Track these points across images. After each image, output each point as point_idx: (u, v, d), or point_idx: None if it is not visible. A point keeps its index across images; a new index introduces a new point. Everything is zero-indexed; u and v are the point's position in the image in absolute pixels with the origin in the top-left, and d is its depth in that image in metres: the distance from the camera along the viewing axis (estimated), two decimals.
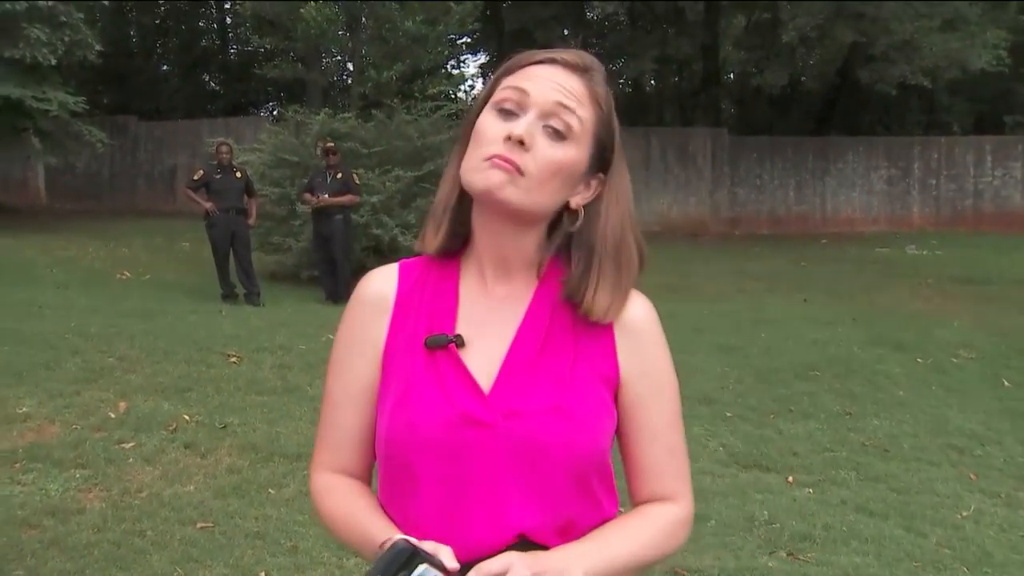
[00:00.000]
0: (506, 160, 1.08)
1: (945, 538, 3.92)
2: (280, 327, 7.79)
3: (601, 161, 1.16)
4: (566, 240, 1.17)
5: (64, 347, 6.50)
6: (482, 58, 28.27)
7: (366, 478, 1.21)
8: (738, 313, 8.72)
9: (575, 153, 1.11)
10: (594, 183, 1.16)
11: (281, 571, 3.40)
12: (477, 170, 1.09)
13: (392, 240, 10.66)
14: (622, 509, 1.21)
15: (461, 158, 1.15)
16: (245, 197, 9.75)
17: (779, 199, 19.18)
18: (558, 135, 1.10)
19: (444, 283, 1.17)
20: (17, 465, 4.31)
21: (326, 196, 9.62)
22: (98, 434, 4.82)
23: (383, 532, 1.07)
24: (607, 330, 1.15)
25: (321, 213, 9.68)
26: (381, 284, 1.20)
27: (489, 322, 1.14)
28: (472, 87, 28.22)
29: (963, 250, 15.38)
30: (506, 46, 23.92)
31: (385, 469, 1.14)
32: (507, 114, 1.10)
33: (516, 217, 1.12)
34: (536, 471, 1.08)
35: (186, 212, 13.83)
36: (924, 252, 15.39)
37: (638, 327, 1.17)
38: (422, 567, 0.96)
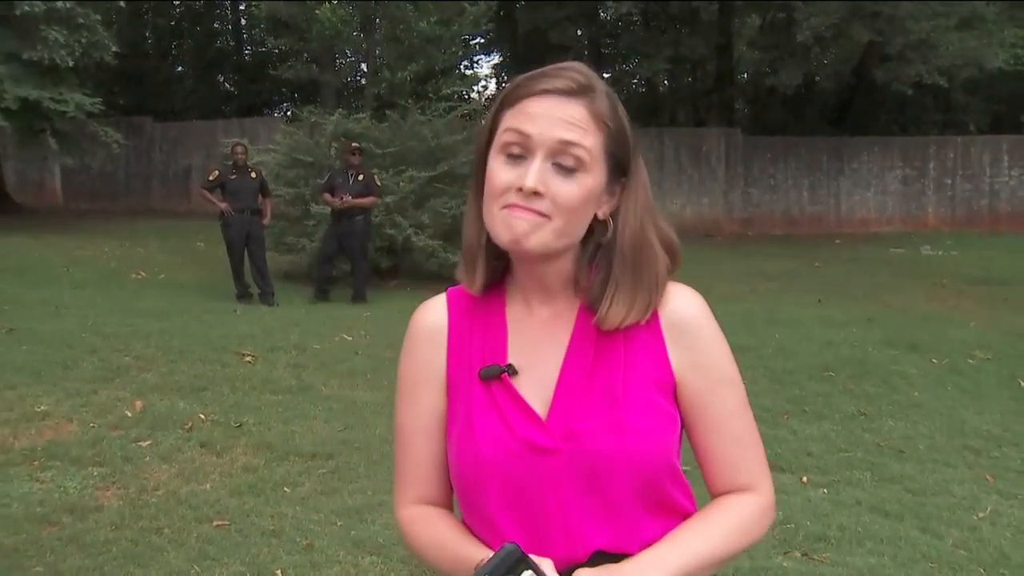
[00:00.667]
0: (523, 212, 1.08)
1: (961, 540, 3.89)
2: (294, 327, 7.83)
3: (619, 171, 1.15)
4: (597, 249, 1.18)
5: (81, 346, 6.56)
6: (496, 58, 28.37)
7: (449, 505, 1.25)
8: (752, 313, 8.69)
9: (591, 181, 1.11)
10: (617, 189, 1.16)
11: (297, 569, 3.41)
12: (499, 221, 1.09)
13: (406, 240, 10.68)
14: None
15: (479, 196, 1.15)
16: (260, 197, 9.79)
17: (793, 199, 19.11)
18: (569, 171, 1.09)
19: (492, 312, 1.19)
20: (36, 463, 4.36)
21: (349, 197, 9.63)
22: (115, 432, 4.87)
23: (476, 552, 1.11)
24: (656, 331, 1.15)
25: (342, 214, 9.70)
26: (434, 315, 1.23)
27: (539, 347, 1.16)
28: (486, 87, 28.27)
29: (979, 250, 15.28)
30: (520, 46, 23.96)
31: (461, 497, 1.18)
32: (514, 159, 1.10)
33: (546, 257, 1.13)
34: (602, 488, 1.10)
35: (200, 212, 13.93)
36: (939, 252, 15.29)
37: (686, 322, 1.16)
38: (527, 574, 1.01)
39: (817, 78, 21.58)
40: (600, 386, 1.12)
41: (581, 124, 1.09)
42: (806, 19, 16.22)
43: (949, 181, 19.02)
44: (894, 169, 19.03)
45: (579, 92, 1.11)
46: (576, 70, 1.12)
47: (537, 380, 1.14)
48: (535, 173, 1.08)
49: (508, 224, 1.09)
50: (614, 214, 1.15)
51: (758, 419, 4.31)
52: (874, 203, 19.04)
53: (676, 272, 1.20)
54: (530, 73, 1.13)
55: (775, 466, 4.80)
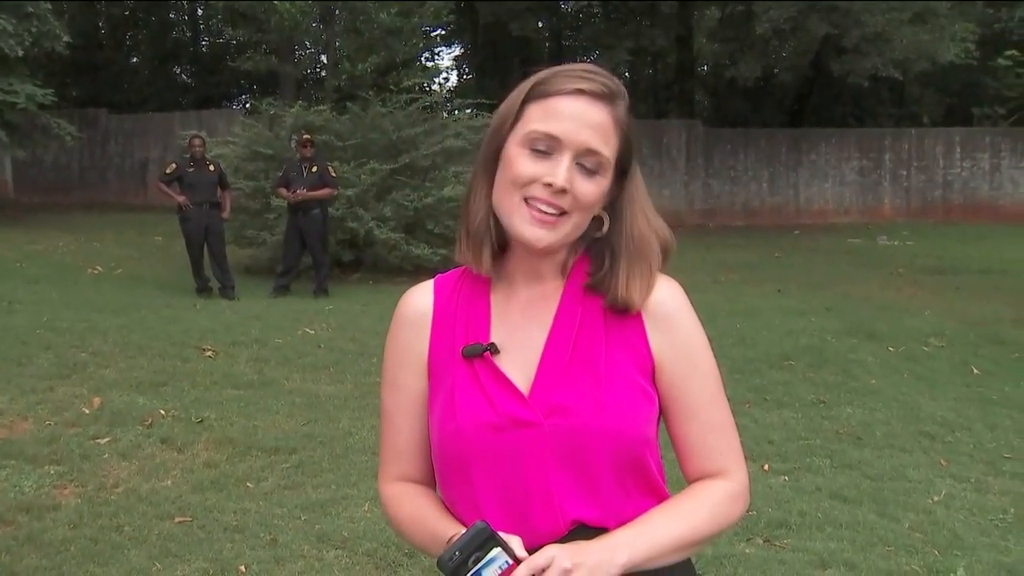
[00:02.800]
0: (550, 214, 1.13)
1: (917, 523, 3.98)
2: (255, 321, 7.74)
3: (622, 171, 1.21)
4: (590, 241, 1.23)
5: (36, 343, 6.42)
6: (457, 50, 28.24)
7: (431, 483, 1.28)
8: (713, 304, 8.78)
9: (604, 183, 1.17)
10: (615, 187, 1.21)
11: (260, 564, 3.39)
12: (519, 217, 1.14)
13: (368, 233, 10.61)
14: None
15: (488, 181, 1.20)
16: (218, 190, 9.66)
17: (753, 191, 19.32)
18: (591, 172, 1.15)
19: (477, 294, 1.23)
20: None
21: (303, 190, 9.54)
22: (72, 430, 4.78)
23: (451, 528, 1.14)
24: (636, 317, 1.19)
25: (298, 207, 9.61)
26: (419, 300, 1.26)
27: (522, 326, 1.20)
28: (447, 79, 28.13)
29: (933, 240, 15.59)
30: (481, 38, 23.90)
31: (442, 474, 1.21)
32: (540, 154, 1.14)
33: (554, 250, 1.20)
34: (582, 462, 1.12)
35: (158, 206, 13.73)
36: (895, 242, 15.58)
37: (666, 310, 1.20)
38: (496, 551, 1.03)
39: (776, 71, 21.81)
40: (582, 364, 1.16)
41: (605, 131, 1.15)
42: (765, 12, 16.39)
43: (904, 172, 19.36)
44: (851, 160, 19.32)
45: (607, 97, 1.16)
46: (604, 75, 1.18)
47: (520, 358, 1.17)
48: (566, 171, 1.13)
49: (530, 227, 1.14)
50: (610, 209, 1.21)
51: None
52: (832, 194, 19.32)
53: (667, 265, 1.24)
54: (559, 69, 1.18)
55: None
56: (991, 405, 5.91)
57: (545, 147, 1.14)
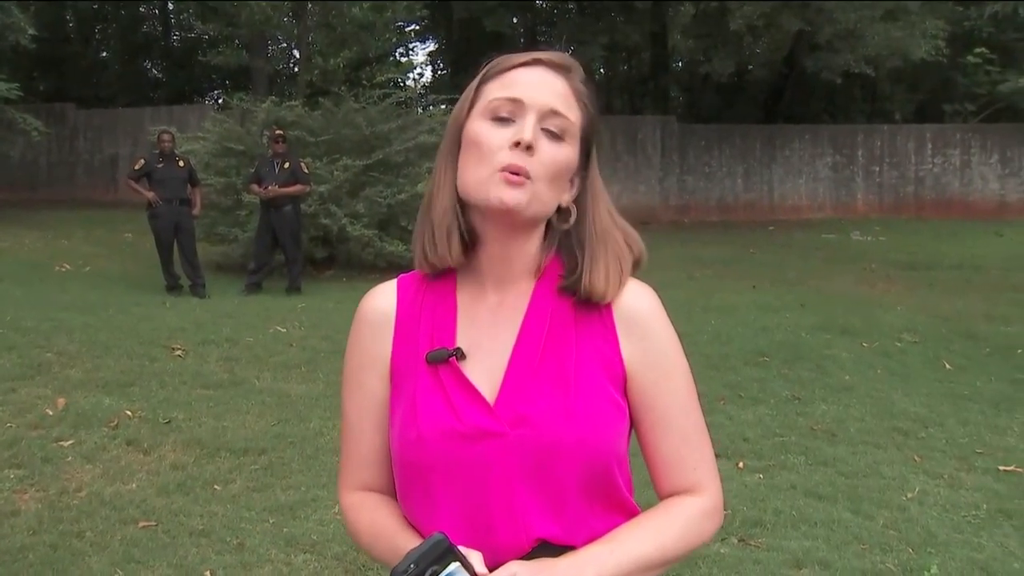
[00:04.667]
0: (517, 171, 1.08)
1: (891, 520, 3.98)
2: (226, 319, 7.64)
3: (586, 159, 1.17)
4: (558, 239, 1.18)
5: None
6: (431, 45, 28.09)
7: (392, 492, 1.22)
8: (688, 300, 8.77)
9: (570, 152, 1.13)
10: (577, 180, 1.17)
11: (227, 570, 3.31)
12: (492, 184, 1.08)
13: (341, 230, 10.50)
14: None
15: (452, 168, 1.15)
16: (189, 187, 9.51)
17: (728, 186, 19.37)
18: (556, 136, 1.11)
19: (442, 295, 1.17)
20: None
21: (275, 186, 9.42)
22: (35, 432, 4.67)
23: (410, 543, 1.08)
24: (608, 323, 1.14)
25: (270, 203, 9.48)
26: (381, 301, 1.20)
27: (490, 331, 1.14)
28: (421, 75, 27.99)
29: (905, 236, 15.71)
30: (455, 34, 23.77)
31: (401, 484, 1.15)
32: (503, 121, 1.11)
33: (525, 224, 1.13)
34: (549, 476, 1.07)
35: (128, 202, 13.50)
36: (868, 238, 15.68)
37: (639, 315, 1.15)
38: (454, 565, 0.98)
39: (750, 67, 21.89)
40: (551, 372, 1.10)
41: (566, 97, 1.13)
42: (738, 8, 16.42)
43: (877, 168, 19.50)
44: (824, 156, 19.43)
45: (564, 68, 1.15)
46: (558, 53, 1.17)
47: (486, 365, 1.12)
48: (531, 129, 1.09)
49: (501, 190, 1.08)
50: (577, 201, 1.17)
51: None
52: (806, 190, 19.42)
53: (639, 270, 1.20)
54: (513, 53, 1.17)
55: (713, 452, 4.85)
56: (963, 400, 5.93)
57: (508, 113, 1.11)
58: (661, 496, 1.18)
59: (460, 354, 1.12)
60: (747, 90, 23.81)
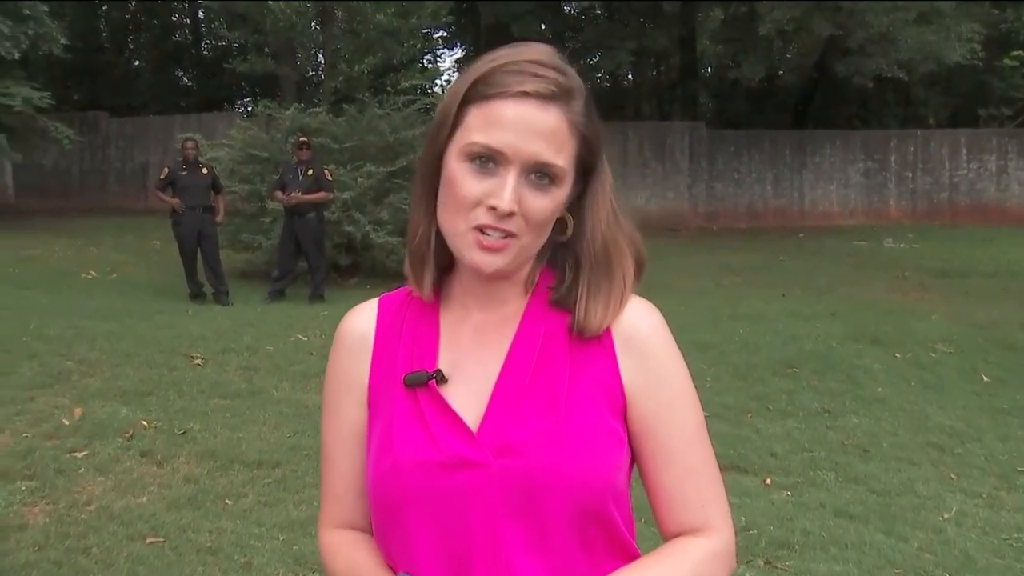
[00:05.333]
0: (496, 242, 0.99)
1: (927, 542, 3.81)
2: (248, 327, 7.59)
3: (585, 172, 1.06)
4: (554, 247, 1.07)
5: (20, 351, 6.27)
6: (459, 52, 28.10)
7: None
8: (716, 308, 8.61)
9: (562, 192, 1.02)
10: (579, 186, 1.06)
11: None
12: (465, 243, 0.99)
13: (364, 237, 10.46)
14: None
15: (429, 194, 1.05)
16: (212, 194, 9.51)
17: (757, 193, 19.14)
18: (543, 186, 0.99)
19: (424, 315, 1.08)
20: None
21: (298, 193, 9.39)
22: (50, 443, 4.62)
23: None
24: (607, 344, 1.04)
25: (293, 211, 9.45)
26: (360, 322, 1.12)
27: (475, 353, 1.05)
28: (448, 81, 27.98)
29: (939, 243, 15.38)
30: (483, 41, 23.74)
31: (376, 518, 1.05)
32: (483, 168, 0.98)
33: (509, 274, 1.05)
34: (536, 512, 0.97)
35: (158, 210, 13.53)
36: (901, 245, 15.37)
37: (642, 336, 1.05)
38: None
39: (780, 72, 21.64)
40: (541, 397, 1.00)
41: (558, 138, 0.99)
42: (768, 12, 16.22)
43: (910, 174, 19.17)
44: (856, 163, 19.13)
45: (559, 97, 0.99)
46: (555, 67, 1.00)
47: (471, 389, 1.02)
48: (511, 192, 0.97)
49: (474, 254, 0.99)
50: (575, 210, 1.06)
51: (721, 417, 4.16)
52: (837, 196, 19.13)
53: (640, 281, 1.09)
54: (498, 60, 1.00)
55: (739, 467, 4.70)
56: (1002, 415, 5.72)
57: (489, 161, 0.98)
58: (666, 537, 1.06)
59: (440, 377, 1.02)
60: (777, 95, 23.55)
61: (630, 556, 1.02)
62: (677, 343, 1.08)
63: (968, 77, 20.78)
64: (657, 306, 1.09)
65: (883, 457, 4.92)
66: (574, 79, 1.02)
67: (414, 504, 0.98)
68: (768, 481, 4.53)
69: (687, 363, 1.08)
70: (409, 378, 1.03)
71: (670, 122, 21.04)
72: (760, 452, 4.91)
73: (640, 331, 1.04)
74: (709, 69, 25.87)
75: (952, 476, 4.66)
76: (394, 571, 1.02)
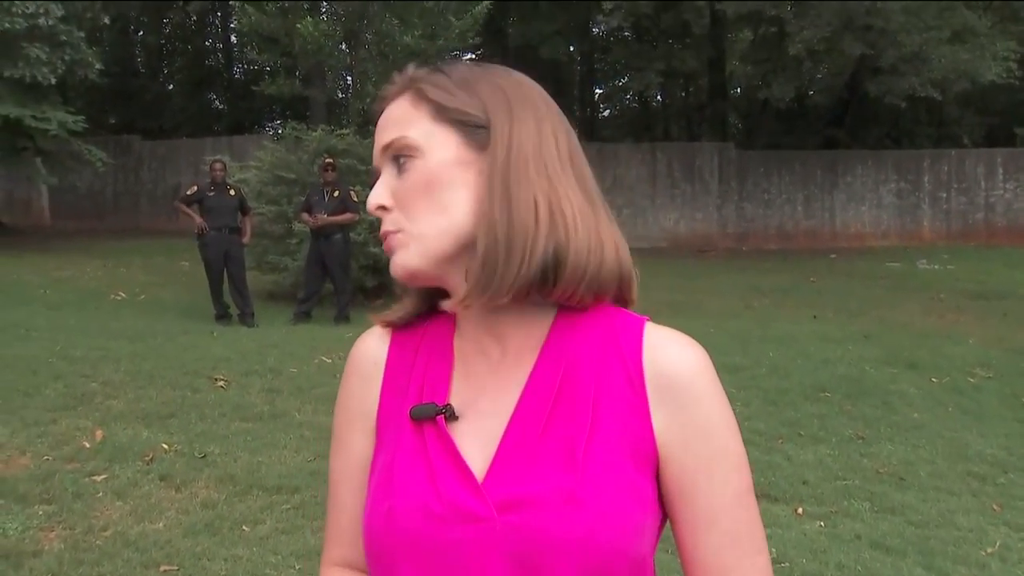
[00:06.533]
0: (388, 242, 0.94)
1: None
2: (272, 349, 7.56)
3: (479, 137, 0.92)
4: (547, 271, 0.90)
5: (46, 372, 6.28)
6: None
7: None
8: (745, 331, 8.45)
9: (427, 161, 0.91)
10: (486, 166, 0.91)
11: None
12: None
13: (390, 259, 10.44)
14: None
15: None
16: (239, 215, 9.56)
17: (787, 214, 18.94)
18: (403, 165, 0.92)
19: (439, 342, 0.98)
20: None
21: (324, 215, 9.40)
22: (70, 466, 4.59)
23: None
24: (639, 387, 0.90)
25: (319, 232, 9.46)
26: (372, 346, 1.02)
27: (490, 388, 0.93)
28: None
29: (975, 264, 15.09)
30: (511, 62, 23.81)
31: (370, 565, 0.93)
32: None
33: (444, 268, 0.92)
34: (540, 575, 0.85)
35: (188, 231, 13.64)
36: (936, 267, 15.10)
37: (679, 379, 0.90)
38: None
39: (810, 92, 21.46)
40: (556, 446, 0.87)
41: (406, 114, 0.93)
42: (798, 32, 16.09)
43: (944, 195, 18.87)
44: (888, 183, 18.88)
45: (401, 89, 0.95)
46: (406, 71, 0.97)
47: (481, 429, 0.90)
48: (376, 189, 0.93)
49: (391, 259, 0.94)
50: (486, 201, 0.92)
51: (751, 443, 3.99)
52: (869, 217, 18.87)
53: (632, 296, 0.96)
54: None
55: (769, 495, 4.55)
56: None
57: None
58: None
59: (450, 413, 0.91)
60: (807, 115, 23.37)
61: None
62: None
63: (1004, 95, 20.50)
64: (684, 327, 0.94)
65: (920, 487, 4.74)
66: (417, 71, 0.96)
67: (408, 554, 0.88)
68: (800, 510, 4.38)
69: None
70: (416, 411, 0.92)
71: (699, 143, 20.93)
72: (791, 480, 4.76)
73: (679, 373, 0.90)
74: (739, 90, 25.75)
75: (995, 508, 4.48)
76: None
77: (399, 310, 1.01)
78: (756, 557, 0.90)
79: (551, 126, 0.93)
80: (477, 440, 0.90)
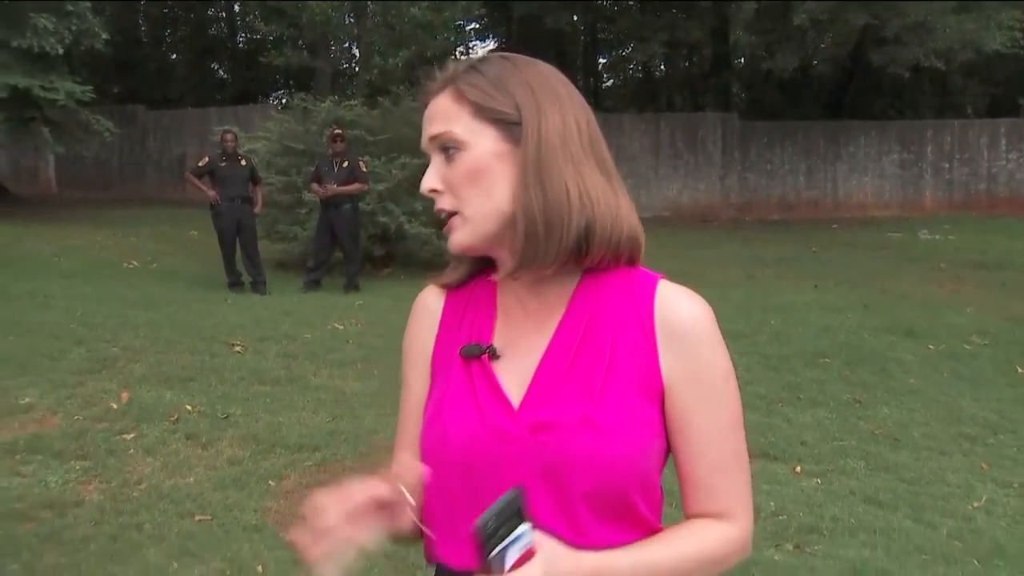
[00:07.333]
0: (447, 224, 1.11)
1: (956, 530, 3.84)
2: (285, 316, 7.76)
3: (514, 132, 1.08)
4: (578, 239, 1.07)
5: (69, 337, 6.49)
6: (491, 44, 28.14)
7: None
8: (747, 299, 8.63)
9: (471, 155, 1.08)
10: (521, 157, 1.08)
11: (279, 565, 3.35)
12: None
13: (399, 228, 10.59)
14: None
15: None
16: (250, 185, 9.69)
17: (790, 184, 19.03)
18: (451, 155, 1.09)
19: (485, 293, 1.18)
20: (18, 457, 4.29)
21: (334, 185, 9.54)
22: (100, 425, 4.80)
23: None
24: (650, 334, 1.08)
25: (329, 202, 9.61)
26: (430, 301, 1.23)
27: (525, 335, 1.13)
28: None
29: (976, 235, 15.21)
30: (515, 32, 23.79)
31: (426, 484, 1.13)
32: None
33: (490, 243, 1.11)
34: (562, 485, 1.04)
35: (195, 201, 13.80)
36: (937, 237, 15.23)
37: (685, 327, 1.08)
38: (525, 526, 0.94)
39: (814, 62, 21.44)
40: (579, 380, 1.07)
41: (447, 110, 1.10)
42: (802, 2, 16.09)
43: (947, 165, 18.94)
44: (891, 153, 18.94)
45: (443, 85, 1.12)
46: (445, 69, 1.13)
47: (517, 367, 1.11)
48: (427, 174, 1.12)
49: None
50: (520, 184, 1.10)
51: (752, 407, 4.21)
52: (871, 187, 18.96)
53: (640, 256, 1.13)
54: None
55: (769, 455, 4.76)
56: None
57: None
58: (688, 517, 1.12)
59: (493, 353, 1.12)
60: (810, 86, 23.35)
61: (650, 534, 1.08)
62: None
63: (1008, 65, 20.48)
64: None
65: (914, 447, 4.94)
66: (459, 65, 1.12)
67: (455, 468, 1.08)
68: (798, 468, 4.58)
69: None
70: (465, 350, 1.12)
71: (702, 113, 20.96)
72: (790, 440, 4.96)
73: (685, 323, 1.08)
74: (742, 59, 25.70)
75: (983, 466, 4.68)
76: (429, 517, 1.11)
77: (452, 274, 1.21)
78: (738, 478, 1.10)
79: (574, 116, 1.10)
80: (514, 375, 1.10)
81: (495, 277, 1.18)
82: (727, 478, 1.09)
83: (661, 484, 1.09)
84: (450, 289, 1.22)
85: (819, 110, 21.92)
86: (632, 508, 1.06)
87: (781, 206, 18.85)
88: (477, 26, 24.67)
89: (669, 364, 1.07)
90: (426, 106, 1.13)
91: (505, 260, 1.12)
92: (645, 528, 1.08)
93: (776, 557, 3.56)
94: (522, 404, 1.07)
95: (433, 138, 1.10)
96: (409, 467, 1.12)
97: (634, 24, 21.59)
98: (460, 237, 1.10)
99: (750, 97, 25.73)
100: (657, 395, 1.07)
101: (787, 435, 5.04)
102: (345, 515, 1.00)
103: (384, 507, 1.04)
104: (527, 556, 0.93)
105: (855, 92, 21.32)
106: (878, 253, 13.36)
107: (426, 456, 1.12)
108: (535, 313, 1.13)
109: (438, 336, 1.19)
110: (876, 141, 18.97)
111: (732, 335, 7.21)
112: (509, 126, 1.08)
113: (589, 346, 1.08)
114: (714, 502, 1.09)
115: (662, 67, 26.90)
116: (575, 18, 22.83)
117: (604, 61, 29.29)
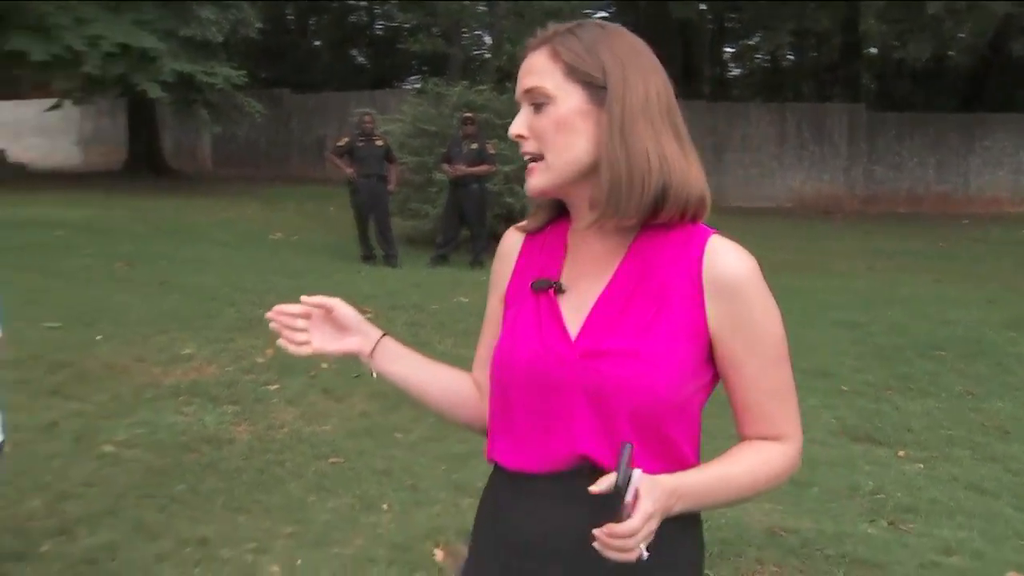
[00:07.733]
0: (529, 167, 1.24)
1: None
2: (414, 288, 8.23)
3: (599, 95, 1.20)
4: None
5: (222, 299, 7.17)
6: None
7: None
8: (867, 291, 8.54)
9: (558, 110, 1.20)
10: (603, 119, 1.20)
11: (402, 505, 3.73)
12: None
13: (523, 208, 10.92)
14: None
15: None
16: (386, 164, 10.22)
17: (919, 177, 18.33)
18: (540, 107, 1.21)
19: (557, 236, 1.32)
20: (181, 398, 4.89)
21: (463, 166, 9.97)
22: (248, 376, 5.35)
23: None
24: (697, 285, 1.19)
25: (457, 182, 10.05)
26: (511, 241, 1.38)
27: (587, 275, 1.26)
28: None
29: None
30: (643, 19, 23.70)
31: (492, 386, 1.30)
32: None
33: (566, 190, 1.24)
34: (605, 407, 1.18)
35: (333, 179, 14.60)
36: None
37: (729, 281, 1.18)
38: (637, 471, 1.07)
39: (949, 52, 20.42)
40: (630, 318, 1.20)
41: (542, 66, 1.21)
42: None
43: None
44: None
45: (541, 43, 1.23)
46: (547, 28, 1.25)
47: (578, 304, 1.24)
48: (516, 120, 1.24)
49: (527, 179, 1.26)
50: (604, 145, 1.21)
51: (860, 393, 4.34)
52: (1007, 183, 18.03)
53: (704, 215, 1.25)
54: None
55: (873, 439, 4.82)
56: None
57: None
58: (743, 439, 1.26)
59: (559, 288, 1.26)
60: (945, 76, 22.27)
61: (690, 461, 1.22)
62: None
63: None
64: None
65: None
66: (559, 27, 1.24)
67: (518, 383, 1.24)
68: (901, 453, 4.63)
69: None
70: (535, 284, 1.28)
71: (829, 104, 20.38)
72: (896, 427, 5.00)
73: (730, 275, 1.19)
74: (873, 49, 24.74)
75: None
76: (492, 426, 1.31)
77: (531, 221, 1.35)
78: (789, 406, 1.25)
79: (655, 86, 1.21)
80: (575, 309, 1.25)
81: (570, 225, 1.31)
82: (779, 406, 1.24)
83: (700, 419, 1.24)
84: (528, 234, 1.36)
85: (953, 102, 20.91)
86: (665, 436, 1.19)
87: (909, 199, 18.19)
88: (606, 15, 24.69)
89: (714, 313, 1.19)
90: (524, 59, 1.24)
91: (581, 210, 1.25)
92: (682, 460, 1.21)
93: (870, 531, 3.66)
94: (579, 334, 1.22)
95: (527, 91, 1.21)
96: (478, 381, 1.40)
97: (761, 13, 21.15)
98: (538, 181, 1.23)
99: (880, 88, 24.75)
100: (702, 340, 1.20)
101: (894, 421, 5.08)
102: (303, 312, 1.38)
103: (339, 326, 1.41)
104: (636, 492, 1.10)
105: (993, 84, 20.22)
106: (1010, 250, 12.78)
107: (495, 371, 1.28)
108: (599, 257, 1.26)
109: (514, 272, 1.34)
110: (1015, 134, 18.00)
111: (847, 324, 7.23)
112: (596, 89, 1.19)
113: (642, 290, 1.21)
114: (767, 425, 1.24)
115: (790, 56, 26.20)
116: (702, 7, 22.54)
117: (731, 50, 28.79)
